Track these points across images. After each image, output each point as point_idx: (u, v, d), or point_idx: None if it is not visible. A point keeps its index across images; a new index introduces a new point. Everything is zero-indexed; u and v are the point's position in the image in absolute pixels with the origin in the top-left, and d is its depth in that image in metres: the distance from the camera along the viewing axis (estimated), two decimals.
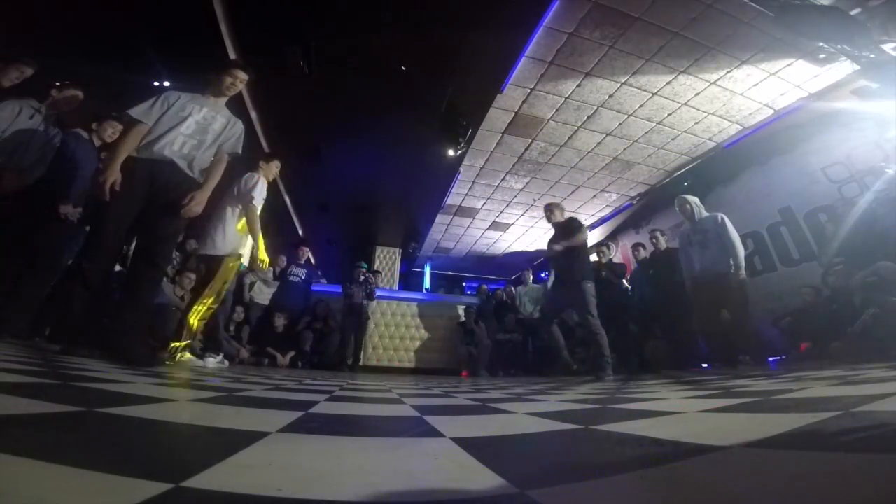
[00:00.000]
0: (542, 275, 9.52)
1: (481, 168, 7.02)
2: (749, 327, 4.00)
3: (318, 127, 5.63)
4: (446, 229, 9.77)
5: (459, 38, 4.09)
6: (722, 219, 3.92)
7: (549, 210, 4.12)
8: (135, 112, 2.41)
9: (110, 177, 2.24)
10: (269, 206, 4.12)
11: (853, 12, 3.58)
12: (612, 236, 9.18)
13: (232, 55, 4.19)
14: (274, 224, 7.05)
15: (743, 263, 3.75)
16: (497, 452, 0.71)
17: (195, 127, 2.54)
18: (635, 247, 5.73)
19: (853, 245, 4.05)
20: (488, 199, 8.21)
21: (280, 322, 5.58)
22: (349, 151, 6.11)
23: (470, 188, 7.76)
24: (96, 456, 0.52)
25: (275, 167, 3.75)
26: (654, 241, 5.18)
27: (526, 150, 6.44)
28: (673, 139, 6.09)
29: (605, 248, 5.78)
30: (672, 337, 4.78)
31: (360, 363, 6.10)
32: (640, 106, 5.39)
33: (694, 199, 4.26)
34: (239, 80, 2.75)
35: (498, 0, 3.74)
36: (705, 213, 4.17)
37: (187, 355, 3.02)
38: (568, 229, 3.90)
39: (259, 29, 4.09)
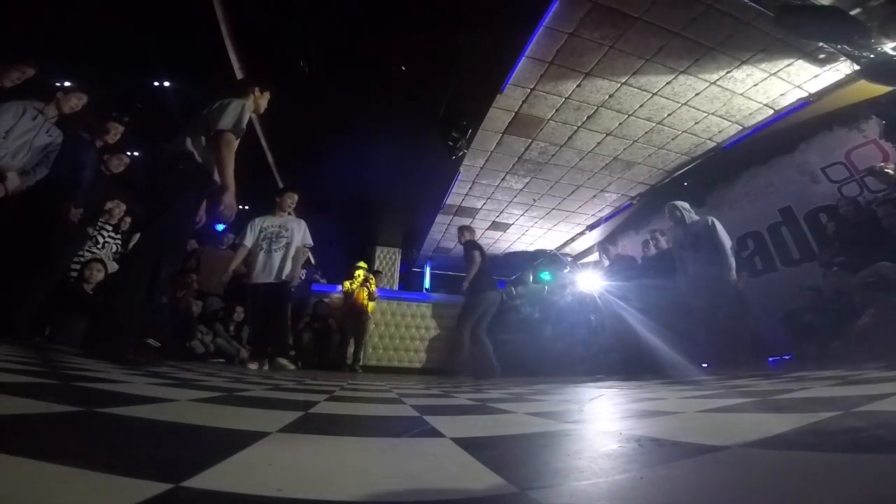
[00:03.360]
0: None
1: (481, 168, 7.01)
2: (746, 328, 4.00)
3: (317, 127, 5.63)
4: (446, 229, 9.76)
5: (459, 38, 4.09)
6: (712, 222, 3.94)
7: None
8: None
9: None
10: (269, 206, 4.13)
11: (853, 12, 3.58)
12: (612, 236, 9.17)
13: (232, 56, 4.20)
14: None
15: (733, 265, 3.76)
16: (497, 452, 0.71)
17: None
18: (646, 243, 5.50)
19: (853, 245, 4.05)
20: (488, 199, 8.21)
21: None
22: (349, 151, 6.11)
23: (470, 188, 7.76)
24: (96, 456, 0.52)
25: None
26: (655, 241, 5.16)
27: (526, 150, 6.44)
28: (673, 139, 6.09)
29: (657, 235, 5.10)
30: (672, 337, 4.77)
31: (360, 363, 6.10)
32: (640, 106, 5.39)
33: (682, 205, 4.27)
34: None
35: (498, 0, 3.74)
36: (695, 217, 4.18)
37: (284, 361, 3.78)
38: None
39: (259, 29, 4.10)
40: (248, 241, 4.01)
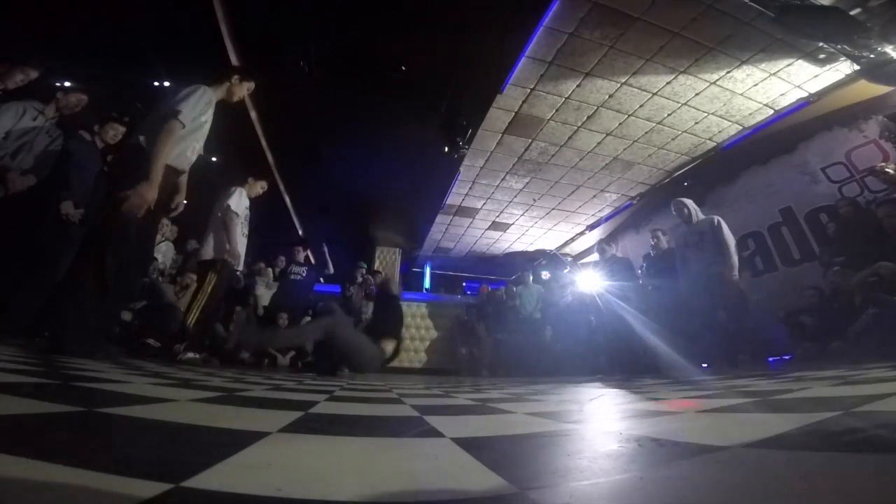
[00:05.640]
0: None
1: (481, 168, 7.02)
2: (747, 327, 4.01)
3: (318, 127, 5.63)
4: (446, 229, 9.76)
5: (459, 38, 4.09)
6: (718, 221, 3.95)
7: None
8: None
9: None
10: (269, 207, 4.12)
11: (853, 12, 3.58)
12: (613, 236, 9.17)
13: (232, 55, 4.20)
14: (274, 224, 7.04)
15: (736, 265, 3.78)
16: (497, 452, 0.71)
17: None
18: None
19: (853, 245, 4.05)
20: (488, 199, 8.21)
21: (282, 322, 5.57)
22: (349, 151, 6.11)
23: (470, 188, 7.76)
24: (96, 456, 0.52)
25: (259, 187, 3.92)
26: (656, 240, 5.14)
27: (526, 150, 6.44)
28: (673, 139, 6.09)
29: (659, 234, 5.02)
30: (672, 338, 4.76)
31: None
32: (640, 106, 5.39)
33: (690, 202, 4.27)
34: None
35: (498, 0, 3.74)
36: (701, 216, 4.18)
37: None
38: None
39: (259, 29, 4.10)
40: (240, 211, 3.51)
